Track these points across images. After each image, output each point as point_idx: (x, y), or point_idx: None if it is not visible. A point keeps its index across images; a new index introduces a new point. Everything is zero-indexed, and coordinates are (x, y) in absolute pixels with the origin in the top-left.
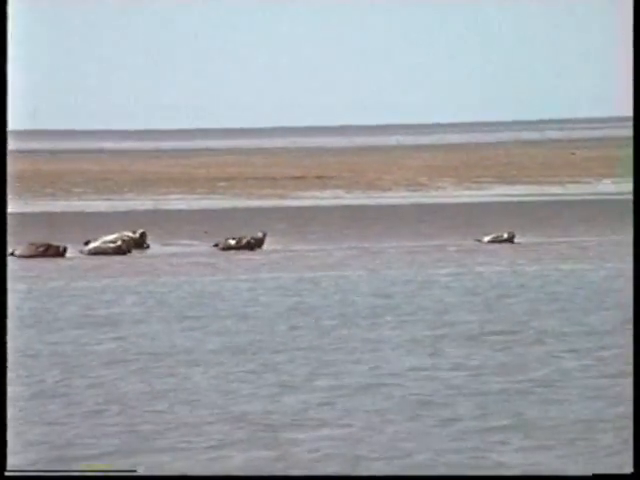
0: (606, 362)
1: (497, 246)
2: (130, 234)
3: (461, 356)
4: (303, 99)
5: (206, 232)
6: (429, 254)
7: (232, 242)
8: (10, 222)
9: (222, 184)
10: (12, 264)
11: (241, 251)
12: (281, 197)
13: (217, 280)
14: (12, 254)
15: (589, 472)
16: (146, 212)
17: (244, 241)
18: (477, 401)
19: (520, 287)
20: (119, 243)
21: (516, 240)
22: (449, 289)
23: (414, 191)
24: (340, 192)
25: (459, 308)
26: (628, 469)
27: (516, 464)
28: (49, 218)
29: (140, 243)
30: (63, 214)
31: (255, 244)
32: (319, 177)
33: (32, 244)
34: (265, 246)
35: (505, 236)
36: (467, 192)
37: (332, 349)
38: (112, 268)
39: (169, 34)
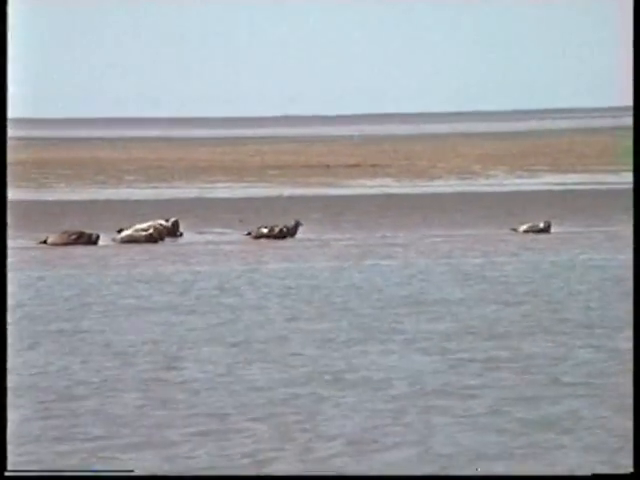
0: (608, 359)
1: (532, 236)
2: (163, 222)
3: (482, 349)
4: (372, 86)
5: (241, 220)
6: (460, 244)
7: (264, 230)
8: (52, 210)
9: (273, 172)
10: (41, 252)
11: (273, 240)
12: (328, 185)
13: (245, 270)
14: (45, 242)
15: (589, 472)
16: (189, 200)
17: (276, 230)
18: (478, 398)
19: (546, 278)
20: (151, 231)
21: (553, 230)
22: (476, 280)
23: (463, 179)
24: (389, 181)
25: (480, 300)
26: (628, 469)
27: (515, 463)
28: (92, 206)
29: (173, 231)
30: (107, 202)
31: (287, 233)
32: (373, 165)
33: (65, 232)
34: (298, 234)
35: (541, 225)
36: (517, 180)
37: (358, 340)
38: (141, 256)
39: (222, 20)
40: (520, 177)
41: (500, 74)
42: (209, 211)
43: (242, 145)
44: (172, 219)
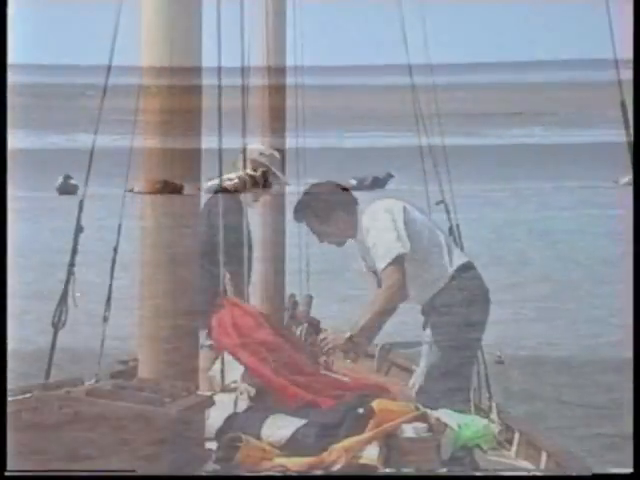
0: None
1: (628, 188)
2: (251, 172)
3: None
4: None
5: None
6: (553, 195)
7: (353, 182)
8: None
9: (427, 122)
10: (129, 200)
11: (362, 191)
12: (466, 135)
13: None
14: (131, 190)
15: (589, 472)
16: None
17: (368, 181)
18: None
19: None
20: (236, 181)
21: None
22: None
23: (615, 129)
24: (537, 130)
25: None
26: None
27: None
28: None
29: (262, 181)
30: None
31: (375, 184)
32: (537, 114)
33: (149, 181)
34: (389, 186)
35: None
36: None
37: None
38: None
39: None
40: None
41: None
42: (317, 160)
43: (424, 93)
44: (260, 169)
